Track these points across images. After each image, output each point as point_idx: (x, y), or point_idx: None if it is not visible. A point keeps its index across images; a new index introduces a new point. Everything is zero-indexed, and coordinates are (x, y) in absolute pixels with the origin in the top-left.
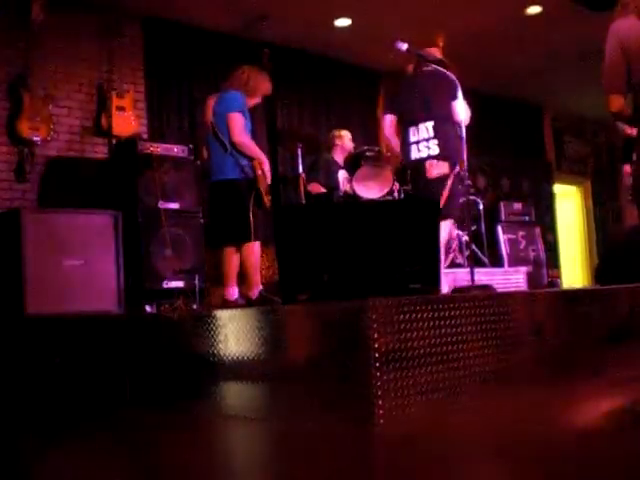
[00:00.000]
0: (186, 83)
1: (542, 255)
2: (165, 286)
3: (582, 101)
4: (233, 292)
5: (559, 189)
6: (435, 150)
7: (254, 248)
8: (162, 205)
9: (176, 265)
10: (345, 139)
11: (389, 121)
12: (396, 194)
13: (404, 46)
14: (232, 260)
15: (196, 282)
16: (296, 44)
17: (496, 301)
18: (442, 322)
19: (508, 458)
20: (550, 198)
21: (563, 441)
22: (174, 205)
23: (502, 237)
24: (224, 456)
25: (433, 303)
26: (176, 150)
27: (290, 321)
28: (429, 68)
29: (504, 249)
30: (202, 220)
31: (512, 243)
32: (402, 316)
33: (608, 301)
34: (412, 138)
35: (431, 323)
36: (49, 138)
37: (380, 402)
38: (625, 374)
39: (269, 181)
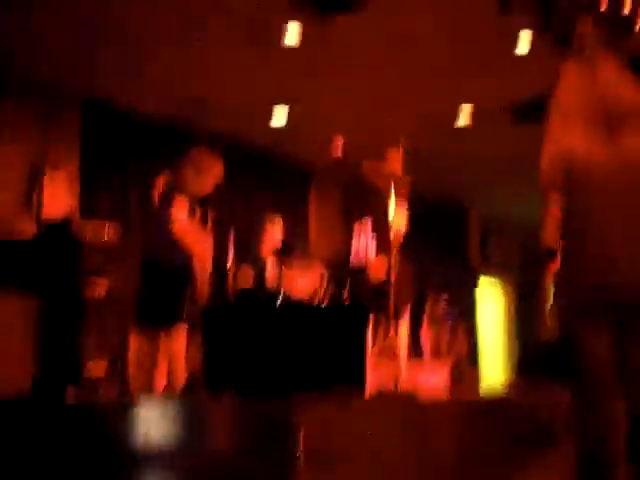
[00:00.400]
0: (121, 164)
1: (463, 351)
2: (87, 373)
3: (508, 202)
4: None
5: (483, 284)
6: None
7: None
8: (89, 290)
9: (101, 351)
10: (276, 226)
11: None
12: (322, 292)
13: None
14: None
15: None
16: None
17: (418, 411)
18: (363, 424)
19: None
20: (473, 301)
21: None
22: (102, 289)
23: (425, 332)
24: None
25: (357, 406)
26: (107, 230)
27: (216, 414)
28: None
29: (426, 344)
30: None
31: (434, 339)
32: (327, 415)
33: (528, 409)
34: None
35: (354, 424)
36: None
37: None
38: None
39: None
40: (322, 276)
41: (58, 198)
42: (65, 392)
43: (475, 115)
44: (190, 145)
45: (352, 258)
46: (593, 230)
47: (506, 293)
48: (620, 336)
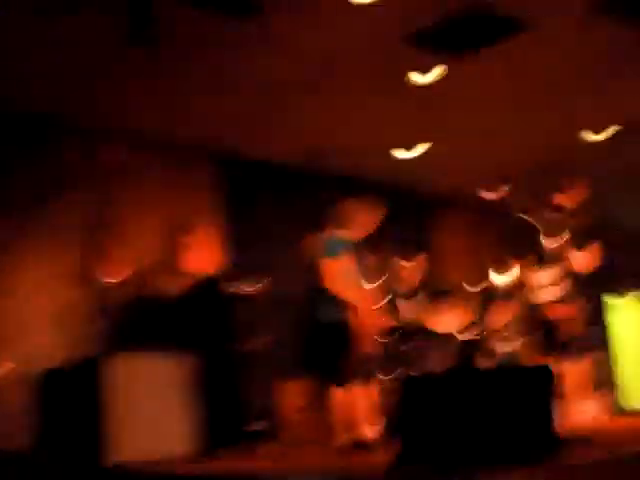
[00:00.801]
0: (262, 219)
1: (610, 377)
2: (250, 428)
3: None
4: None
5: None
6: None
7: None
8: (239, 347)
9: (252, 405)
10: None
11: None
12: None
13: (491, 196)
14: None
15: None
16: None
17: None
18: None
19: None
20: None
21: None
22: (252, 347)
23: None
24: None
25: None
26: (256, 287)
27: None
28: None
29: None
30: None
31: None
32: None
33: None
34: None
35: None
36: (125, 279)
37: None
38: None
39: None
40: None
41: (204, 255)
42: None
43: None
44: (322, 191)
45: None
46: None
47: None
48: None
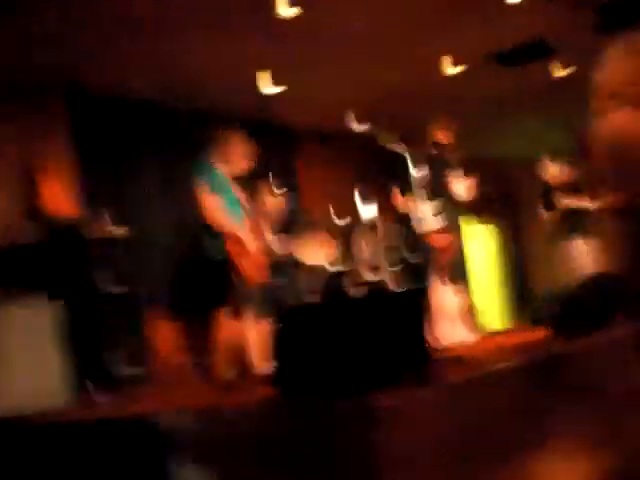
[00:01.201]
0: (117, 157)
1: (471, 302)
2: (112, 372)
3: (490, 143)
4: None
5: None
6: (437, 224)
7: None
8: (105, 290)
9: (122, 348)
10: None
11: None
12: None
13: (359, 127)
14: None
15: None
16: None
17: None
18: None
19: None
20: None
21: None
22: (117, 288)
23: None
24: None
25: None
26: (114, 230)
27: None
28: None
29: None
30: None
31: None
32: (404, 410)
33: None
34: (419, 213)
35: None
36: None
37: None
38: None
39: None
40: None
41: (58, 196)
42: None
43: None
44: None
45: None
46: None
47: (500, 234)
48: None
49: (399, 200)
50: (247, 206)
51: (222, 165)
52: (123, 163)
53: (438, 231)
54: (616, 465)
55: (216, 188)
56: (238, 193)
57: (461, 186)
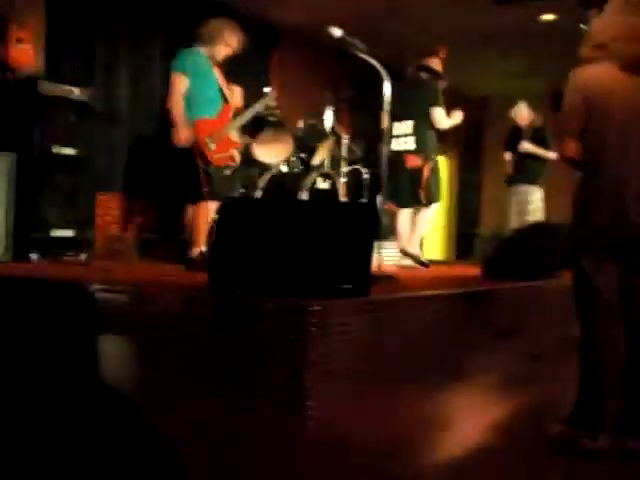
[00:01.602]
0: (90, 22)
1: None
2: (53, 235)
3: (459, 77)
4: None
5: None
6: (412, 145)
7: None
8: (57, 150)
9: (67, 214)
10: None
11: None
12: (294, 161)
13: (338, 32)
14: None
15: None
16: None
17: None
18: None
19: None
20: None
21: None
22: (70, 151)
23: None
24: None
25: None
26: (77, 93)
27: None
28: (420, 75)
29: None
30: (97, 168)
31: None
32: (339, 319)
33: (498, 300)
34: (394, 132)
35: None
36: None
37: (311, 404)
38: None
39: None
40: (291, 149)
41: (25, 52)
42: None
43: None
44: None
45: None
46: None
47: (448, 167)
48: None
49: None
50: (226, 92)
51: (206, 49)
52: (98, 29)
53: (413, 152)
54: (530, 403)
55: (195, 71)
56: (220, 79)
57: (443, 115)
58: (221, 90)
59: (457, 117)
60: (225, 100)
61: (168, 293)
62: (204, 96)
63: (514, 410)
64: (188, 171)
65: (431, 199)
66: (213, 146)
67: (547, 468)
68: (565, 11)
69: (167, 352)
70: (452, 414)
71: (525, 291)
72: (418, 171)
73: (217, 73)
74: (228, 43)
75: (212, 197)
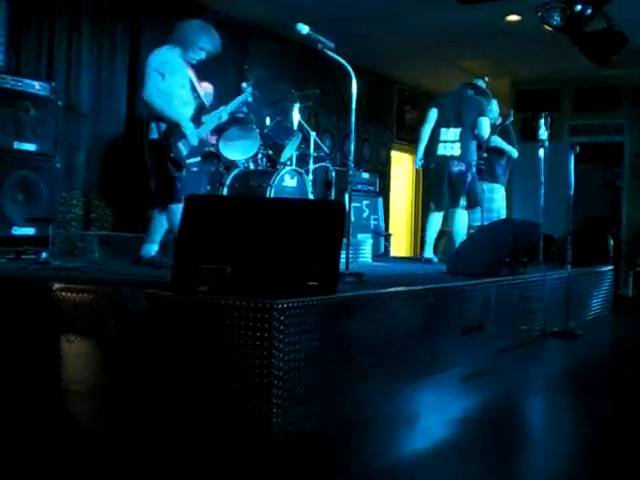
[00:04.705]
0: (51, 15)
1: (382, 224)
2: (14, 233)
3: (424, 75)
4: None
5: (395, 155)
6: (457, 152)
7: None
8: (17, 146)
9: (28, 211)
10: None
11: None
12: (260, 158)
13: (305, 29)
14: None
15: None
16: None
17: (386, 300)
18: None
19: None
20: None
21: None
22: (30, 147)
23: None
24: None
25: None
26: (38, 87)
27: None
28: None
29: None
30: (58, 165)
31: (357, 211)
32: (304, 318)
33: (463, 296)
34: (442, 137)
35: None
36: None
37: (277, 400)
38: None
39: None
40: (258, 147)
41: None
42: None
43: None
44: None
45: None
46: None
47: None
48: None
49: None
50: (200, 93)
51: (181, 49)
52: (59, 22)
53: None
54: (495, 396)
55: (169, 70)
56: (194, 79)
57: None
58: (195, 91)
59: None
60: (199, 101)
61: (132, 291)
62: (178, 97)
63: (480, 403)
64: (159, 175)
65: (474, 203)
66: (185, 150)
67: (511, 460)
68: (530, 11)
69: (131, 350)
70: (418, 408)
71: (489, 287)
72: (461, 175)
73: (191, 74)
74: (203, 48)
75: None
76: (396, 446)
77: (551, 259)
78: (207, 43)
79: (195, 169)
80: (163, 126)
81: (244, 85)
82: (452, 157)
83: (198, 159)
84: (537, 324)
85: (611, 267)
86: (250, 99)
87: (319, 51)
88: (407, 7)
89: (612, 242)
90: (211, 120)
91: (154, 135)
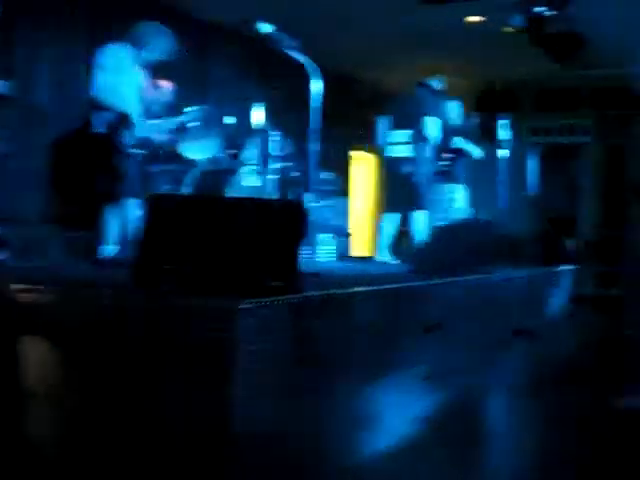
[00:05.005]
0: (9, 10)
1: (342, 224)
2: None
3: (385, 75)
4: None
5: (356, 155)
6: (408, 153)
7: None
8: None
9: None
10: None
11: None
12: (221, 157)
13: (267, 28)
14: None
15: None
16: None
17: (348, 300)
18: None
19: None
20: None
21: None
22: None
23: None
24: None
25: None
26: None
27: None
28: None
29: (312, 217)
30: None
31: (318, 211)
32: (268, 318)
33: (427, 296)
34: (394, 139)
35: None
36: None
37: (239, 403)
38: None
39: None
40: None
41: None
42: None
43: None
44: None
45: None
46: None
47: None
48: None
49: None
50: (150, 93)
51: (135, 49)
52: (18, 17)
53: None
54: (457, 395)
55: (116, 68)
56: (143, 79)
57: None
58: (143, 91)
59: None
60: (147, 101)
61: (92, 292)
62: (124, 94)
63: (441, 403)
64: (105, 169)
65: (424, 205)
66: (132, 144)
67: (473, 459)
68: (491, 13)
69: (91, 353)
70: (381, 407)
71: (451, 286)
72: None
73: (141, 73)
74: (158, 49)
75: (129, 195)
76: (359, 446)
77: (513, 259)
78: (162, 44)
79: (155, 169)
80: (109, 119)
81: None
82: (403, 158)
83: (140, 153)
84: (499, 323)
85: (572, 267)
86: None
87: (281, 51)
88: (368, 7)
89: (572, 242)
90: (158, 124)
91: (100, 129)
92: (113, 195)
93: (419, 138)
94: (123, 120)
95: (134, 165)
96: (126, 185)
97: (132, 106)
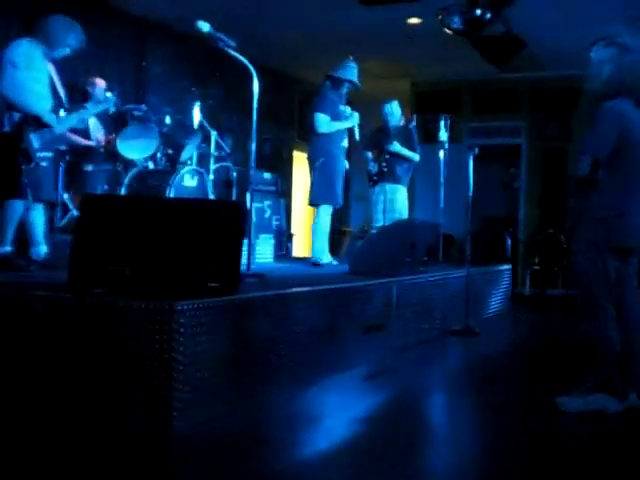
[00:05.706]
0: None
1: (283, 225)
2: None
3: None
4: None
5: (297, 155)
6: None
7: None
8: None
9: None
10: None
11: None
12: (159, 157)
13: (206, 27)
14: None
15: None
16: None
17: (288, 300)
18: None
19: None
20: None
21: None
22: None
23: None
24: None
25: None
26: None
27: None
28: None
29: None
30: None
31: (258, 212)
32: (205, 319)
33: (366, 296)
34: None
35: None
36: None
37: (178, 404)
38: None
39: None
40: (158, 145)
41: None
42: None
43: None
44: None
45: None
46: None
47: None
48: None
49: None
50: (59, 89)
51: (46, 45)
52: None
53: None
54: (398, 394)
55: (26, 64)
56: (53, 75)
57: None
58: (53, 86)
59: None
60: (57, 97)
61: (23, 294)
62: (33, 90)
63: (382, 402)
64: (6, 165)
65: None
66: (37, 144)
67: (413, 458)
68: (430, 14)
69: (25, 356)
70: (321, 408)
71: (390, 286)
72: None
73: (51, 69)
74: (68, 44)
75: (28, 195)
76: (299, 447)
77: (451, 258)
78: (72, 40)
79: (45, 164)
80: (15, 117)
81: (109, 94)
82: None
83: (50, 154)
84: (437, 322)
85: (509, 266)
86: (113, 109)
87: (221, 49)
88: (309, 7)
89: (510, 242)
90: (70, 120)
91: (6, 128)
92: (7, 195)
93: (310, 135)
94: (30, 121)
95: (43, 167)
96: (27, 186)
97: (43, 103)
